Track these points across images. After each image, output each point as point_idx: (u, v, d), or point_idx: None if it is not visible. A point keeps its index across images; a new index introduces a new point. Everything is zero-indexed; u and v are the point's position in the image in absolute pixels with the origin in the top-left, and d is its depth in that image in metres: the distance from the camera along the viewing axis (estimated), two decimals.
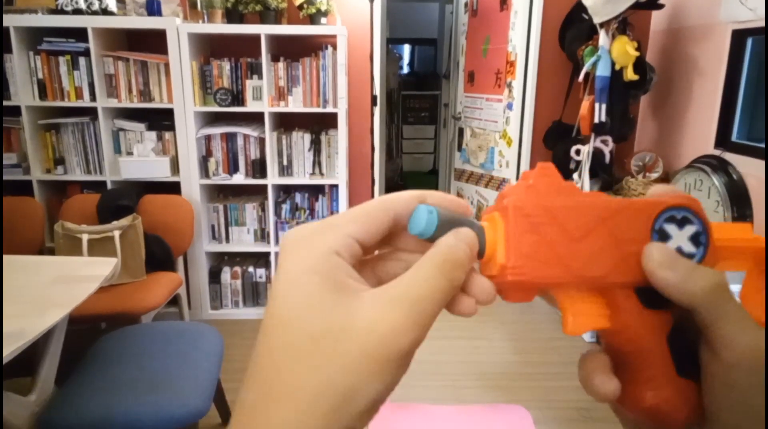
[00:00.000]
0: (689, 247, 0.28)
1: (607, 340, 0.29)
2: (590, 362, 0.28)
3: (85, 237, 2.44)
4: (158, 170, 2.83)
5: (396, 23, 6.35)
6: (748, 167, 2.34)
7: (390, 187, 6.09)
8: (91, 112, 2.80)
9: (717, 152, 2.53)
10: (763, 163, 2.26)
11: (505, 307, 3.30)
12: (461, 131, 4.12)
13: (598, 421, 2.23)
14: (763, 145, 2.33)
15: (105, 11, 2.67)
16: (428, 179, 6.35)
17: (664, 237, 0.28)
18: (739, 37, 2.46)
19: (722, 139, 2.55)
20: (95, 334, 1.96)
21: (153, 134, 2.85)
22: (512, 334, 2.97)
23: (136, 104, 2.81)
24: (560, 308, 0.27)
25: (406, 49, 7.02)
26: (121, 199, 2.64)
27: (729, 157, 2.46)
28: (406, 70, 6.95)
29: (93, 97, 2.75)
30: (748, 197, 2.33)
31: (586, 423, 2.23)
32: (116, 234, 2.47)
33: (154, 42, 2.80)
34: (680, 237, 0.28)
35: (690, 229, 0.28)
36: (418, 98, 6.44)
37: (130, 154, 2.85)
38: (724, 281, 0.26)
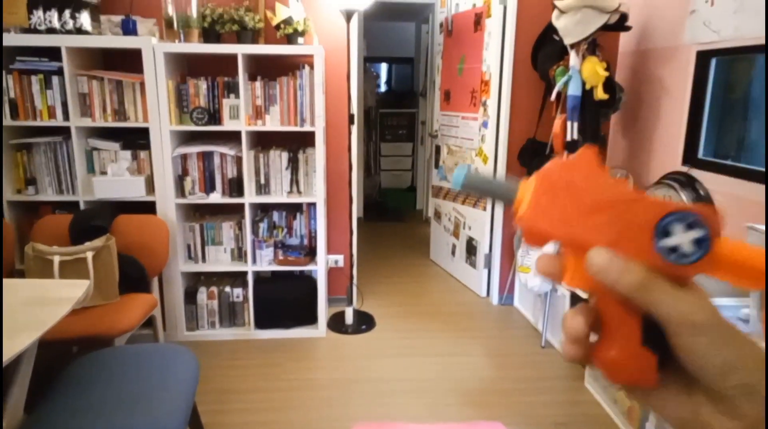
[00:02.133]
0: (688, 248, 0.31)
1: (594, 300, 0.35)
2: (570, 319, 0.35)
3: (56, 259, 2.39)
4: (133, 190, 2.79)
5: (373, 42, 6.43)
6: (714, 184, 2.42)
7: (368, 203, 6.11)
8: (64, 132, 2.76)
9: (684, 169, 2.60)
10: (727, 179, 2.34)
11: (484, 324, 3.32)
12: (438, 149, 4.17)
13: None
14: (728, 162, 2.41)
15: (79, 30, 2.65)
16: (406, 196, 6.37)
17: (665, 234, 0.32)
18: (703, 58, 2.55)
19: (689, 156, 2.63)
20: (67, 358, 1.92)
21: (128, 153, 2.83)
22: (491, 350, 2.98)
23: (111, 123, 2.78)
24: (565, 265, 0.34)
25: (384, 67, 7.10)
26: (94, 220, 2.60)
27: (696, 173, 2.53)
28: (383, 88, 7.03)
29: (66, 117, 2.71)
30: None
31: None
32: (89, 255, 2.42)
33: (129, 60, 2.79)
34: (683, 237, 0.31)
35: (696, 233, 0.31)
36: (396, 116, 6.51)
37: (104, 173, 2.82)
38: (648, 275, 0.31)
